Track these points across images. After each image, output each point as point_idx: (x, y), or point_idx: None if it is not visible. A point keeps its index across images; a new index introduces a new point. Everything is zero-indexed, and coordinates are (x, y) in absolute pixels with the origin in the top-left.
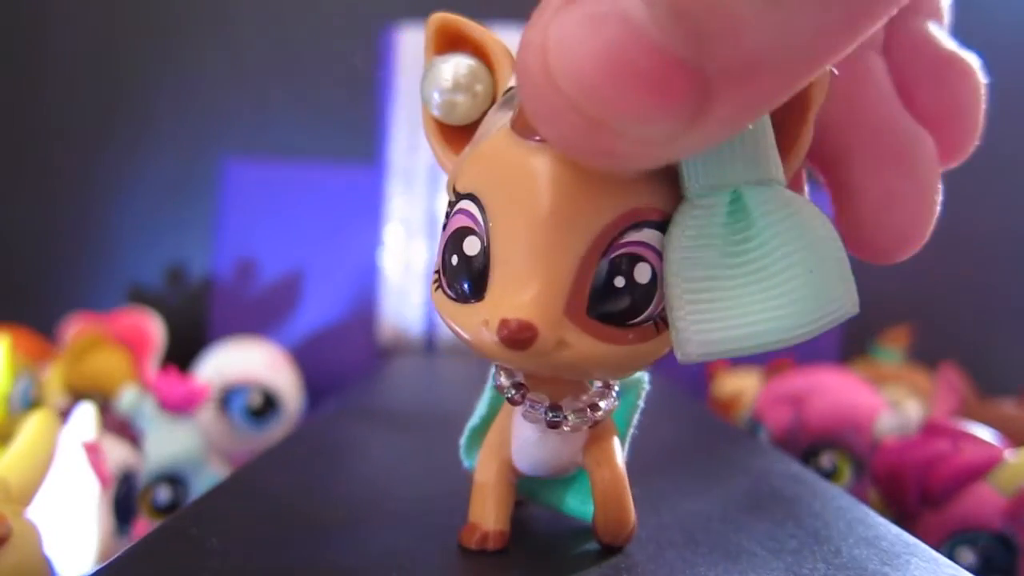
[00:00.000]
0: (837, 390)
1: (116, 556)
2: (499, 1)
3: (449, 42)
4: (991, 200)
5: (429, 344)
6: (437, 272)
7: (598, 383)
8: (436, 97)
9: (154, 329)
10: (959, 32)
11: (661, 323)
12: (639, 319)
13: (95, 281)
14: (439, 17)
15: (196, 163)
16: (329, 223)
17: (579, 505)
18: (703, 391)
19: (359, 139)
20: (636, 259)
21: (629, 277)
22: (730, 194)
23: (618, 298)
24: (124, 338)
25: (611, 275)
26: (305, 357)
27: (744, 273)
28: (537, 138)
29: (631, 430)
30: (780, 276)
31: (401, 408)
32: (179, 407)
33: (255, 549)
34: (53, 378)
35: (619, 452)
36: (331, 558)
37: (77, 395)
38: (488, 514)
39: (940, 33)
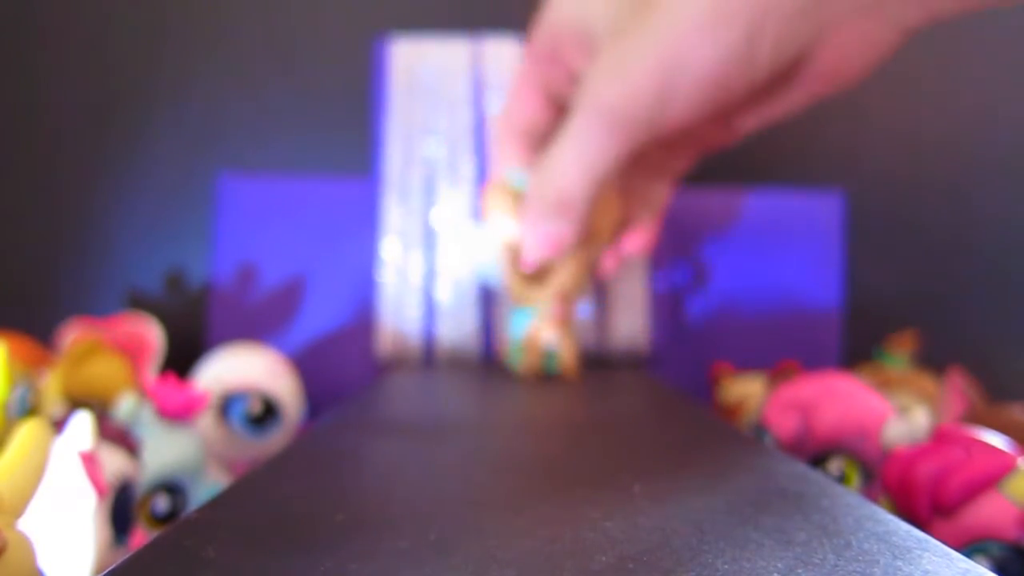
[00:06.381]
0: (846, 396)
1: (109, 570)
2: (493, 10)
3: None
4: (999, 202)
5: (428, 356)
6: None
7: None
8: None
9: (153, 335)
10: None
11: None
12: None
13: (93, 286)
14: None
15: (193, 173)
16: (325, 235)
17: None
18: (707, 395)
19: (354, 152)
20: None
21: None
22: None
23: None
24: (122, 344)
25: None
26: (302, 367)
27: None
28: None
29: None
30: None
31: (401, 418)
32: (178, 414)
33: (254, 558)
34: (51, 385)
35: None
36: (331, 566)
37: (75, 402)
38: None
39: None
